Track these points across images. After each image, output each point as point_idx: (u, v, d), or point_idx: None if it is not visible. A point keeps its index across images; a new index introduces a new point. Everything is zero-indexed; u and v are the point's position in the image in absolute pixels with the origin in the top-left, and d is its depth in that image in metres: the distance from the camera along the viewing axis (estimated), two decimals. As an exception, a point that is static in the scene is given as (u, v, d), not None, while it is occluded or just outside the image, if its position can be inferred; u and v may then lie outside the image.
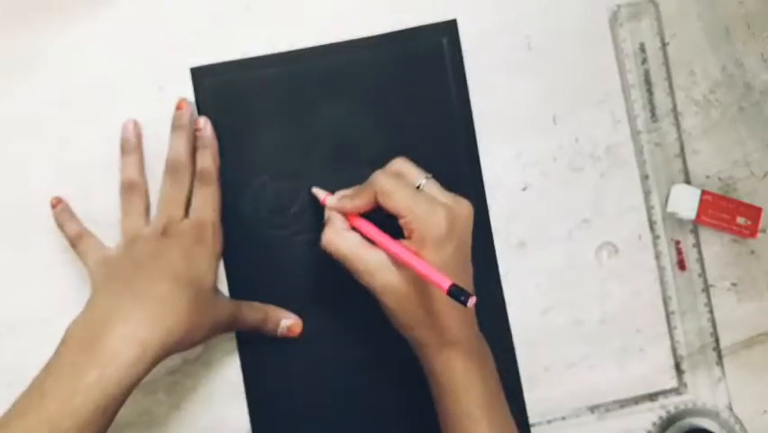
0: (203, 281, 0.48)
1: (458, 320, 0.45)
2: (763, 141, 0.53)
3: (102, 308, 0.45)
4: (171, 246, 0.48)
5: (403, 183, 0.45)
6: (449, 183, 0.47)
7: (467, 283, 0.46)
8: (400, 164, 0.47)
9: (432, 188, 0.46)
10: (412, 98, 0.52)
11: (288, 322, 0.51)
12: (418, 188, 0.46)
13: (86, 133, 0.51)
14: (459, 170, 0.52)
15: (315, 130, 0.52)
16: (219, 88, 0.51)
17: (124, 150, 0.51)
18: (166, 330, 0.44)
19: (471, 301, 0.41)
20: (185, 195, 0.50)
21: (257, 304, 0.51)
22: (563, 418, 0.53)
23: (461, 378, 0.45)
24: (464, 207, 0.45)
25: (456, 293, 0.41)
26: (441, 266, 0.43)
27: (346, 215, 0.47)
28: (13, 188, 0.52)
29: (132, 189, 0.50)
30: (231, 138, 0.51)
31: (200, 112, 0.51)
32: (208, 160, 0.50)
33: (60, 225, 0.51)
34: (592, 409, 0.53)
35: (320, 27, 0.52)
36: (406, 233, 0.45)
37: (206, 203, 0.50)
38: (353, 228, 0.47)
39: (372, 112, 0.52)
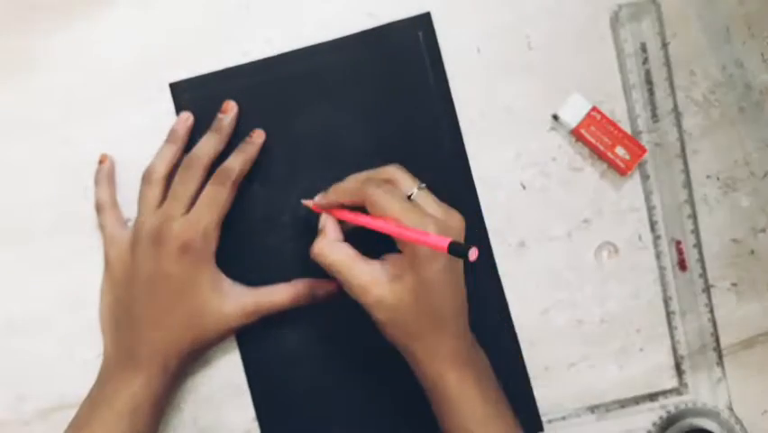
0: (198, 307, 0.48)
1: (450, 331, 0.45)
2: (763, 141, 0.53)
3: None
4: (162, 262, 0.47)
5: (394, 193, 0.44)
6: (436, 177, 0.47)
7: (462, 299, 0.46)
8: (392, 171, 0.46)
9: (424, 198, 0.45)
10: (394, 94, 0.51)
11: (321, 291, 0.50)
12: (410, 197, 0.45)
13: (86, 133, 0.51)
14: (445, 162, 0.51)
15: (301, 135, 0.51)
16: (198, 102, 0.51)
17: (169, 138, 0.50)
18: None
19: (473, 253, 0.38)
20: (191, 193, 0.48)
21: (281, 286, 0.50)
22: (563, 418, 0.53)
23: (455, 390, 0.44)
24: (456, 220, 0.45)
25: (456, 249, 0.38)
26: (432, 280, 0.43)
27: (334, 215, 0.47)
28: (14, 189, 0.52)
29: (152, 182, 0.49)
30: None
31: None
32: (237, 162, 0.49)
33: (94, 184, 0.51)
34: (592, 409, 0.53)
35: (297, 31, 0.51)
36: (398, 245, 0.44)
37: (210, 204, 0.48)
38: (345, 237, 0.46)
39: (355, 112, 0.51)
